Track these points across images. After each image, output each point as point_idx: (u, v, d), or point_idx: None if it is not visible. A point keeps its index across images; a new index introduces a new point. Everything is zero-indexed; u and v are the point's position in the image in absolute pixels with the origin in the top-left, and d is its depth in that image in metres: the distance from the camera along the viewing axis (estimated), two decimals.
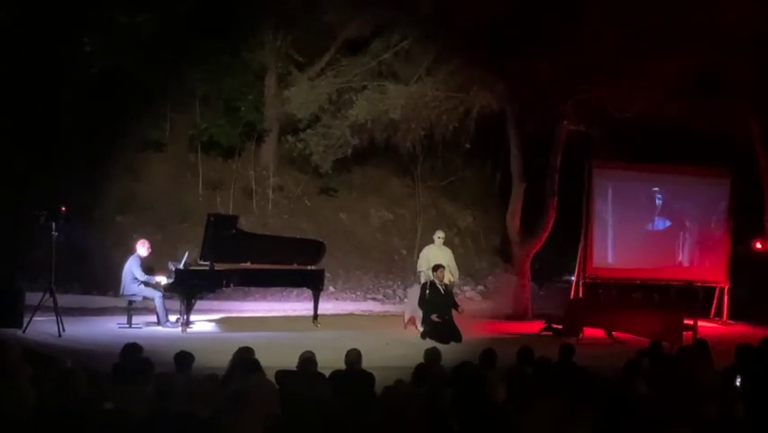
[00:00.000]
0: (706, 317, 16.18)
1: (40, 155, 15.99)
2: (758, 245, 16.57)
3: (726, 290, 17.04)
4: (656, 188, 17.28)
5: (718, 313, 16.98)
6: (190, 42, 17.59)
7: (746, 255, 16.85)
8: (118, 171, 17.96)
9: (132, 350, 7.10)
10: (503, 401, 6.17)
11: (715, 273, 17.18)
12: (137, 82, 17.14)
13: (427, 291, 13.00)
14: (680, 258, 17.29)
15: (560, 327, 13.93)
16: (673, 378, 7.51)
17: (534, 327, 14.70)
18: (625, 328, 13.50)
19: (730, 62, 14.43)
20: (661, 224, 17.24)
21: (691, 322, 13.11)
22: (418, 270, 13.99)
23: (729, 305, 16.90)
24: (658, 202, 17.26)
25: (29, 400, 5.37)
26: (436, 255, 13.73)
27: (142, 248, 12.94)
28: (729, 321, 16.62)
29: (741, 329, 15.21)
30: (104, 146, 17.18)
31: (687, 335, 12.47)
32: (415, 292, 13.58)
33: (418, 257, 14.49)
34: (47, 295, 11.44)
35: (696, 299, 15.79)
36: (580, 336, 13.20)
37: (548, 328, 14.06)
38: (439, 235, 14.13)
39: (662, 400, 6.44)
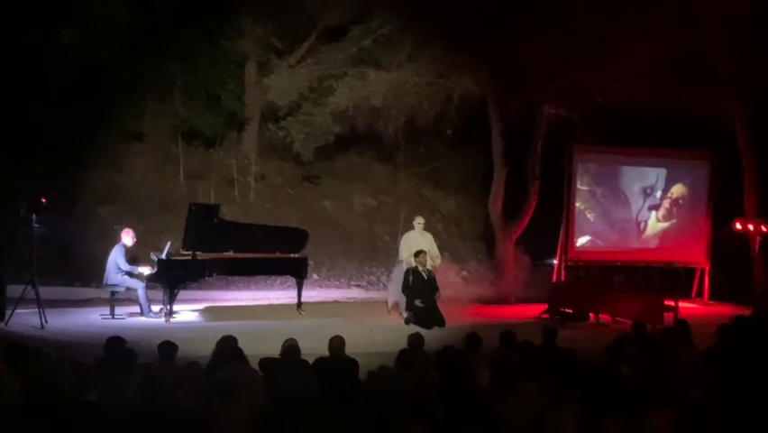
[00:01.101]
0: (687, 297, 16.34)
1: (20, 148, 15.86)
2: (738, 226, 16.69)
3: (706, 271, 17.21)
4: (638, 171, 17.41)
5: (700, 293, 17.16)
6: (169, 32, 17.48)
7: (727, 236, 16.98)
8: (99, 163, 17.83)
9: (116, 343, 7.07)
10: (487, 385, 6.21)
11: (696, 254, 17.35)
12: (117, 73, 17.03)
13: (410, 277, 13.01)
14: (661, 239, 17.42)
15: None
16: (655, 359, 7.57)
17: (518, 310, 14.81)
18: (607, 310, 13.64)
19: (711, 47, 14.52)
20: (640, 206, 17.34)
21: (673, 303, 13.22)
22: (399, 258, 13.92)
23: (710, 285, 17.08)
24: (639, 184, 17.36)
25: (13, 392, 5.36)
26: (417, 241, 13.67)
27: (127, 237, 12.88)
28: (710, 301, 16.80)
29: (722, 309, 15.34)
30: (84, 138, 17.06)
31: (668, 315, 12.58)
32: (397, 278, 13.58)
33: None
34: (29, 287, 11.38)
35: (677, 280, 15.92)
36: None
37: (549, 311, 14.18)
38: (419, 221, 14.04)
39: (645, 381, 6.49)
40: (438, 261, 13.92)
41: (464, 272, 19.45)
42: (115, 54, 16.83)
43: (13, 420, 5.00)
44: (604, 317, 13.65)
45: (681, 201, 17.44)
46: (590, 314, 13.84)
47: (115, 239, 13.08)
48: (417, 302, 12.77)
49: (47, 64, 16.55)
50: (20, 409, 5.11)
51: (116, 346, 7.01)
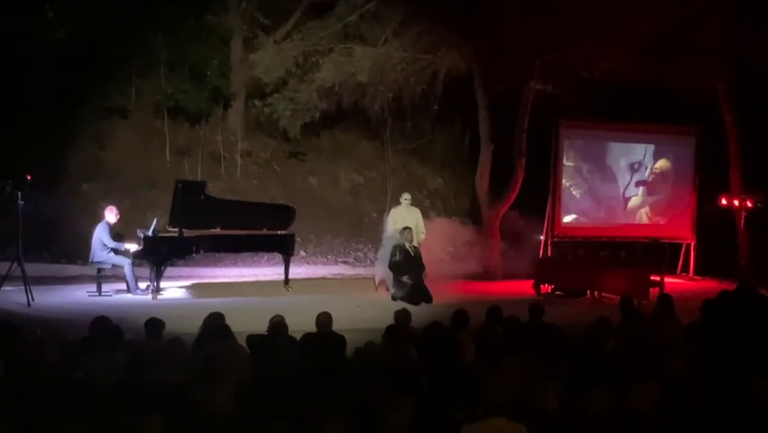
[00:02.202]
0: (673, 273, 16.44)
1: (3, 125, 15.75)
2: (724, 201, 16.79)
3: (692, 246, 17.31)
4: (625, 147, 17.45)
5: (685, 269, 17.27)
6: (154, 7, 17.31)
7: (712, 212, 17.07)
8: (84, 139, 17.75)
9: (102, 323, 7.05)
10: (473, 360, 6.24)
11: (681, 230, 17.45)
12: (101, 48, 16.88)
13: (397, 254, 13.03)
14: (647, 215, 17.50)
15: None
16: (641, 333, 7.63)
17: (505, 286, 14.85)
18: (593, 286, 13.70)
19: (696, 23, 14.51)
20: (628, 182, 17.38)
21: (659, 278, 13.30)
22: (386, 234, 13.90)
23: (696, 261, 17.19)
24: (626, 160, 17.40)
25: None
26: (404, 217, 13.67)
27: (111, 214, 12.81)
28: (696, 277, 16.92)
29: (708, 285, 15.45)
30: (68, 114, 16.96)
31: (654, 291, 12.65)
32: (384, 254, 13.59)
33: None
34: (15, 264, 11.35)
35: (663, 255, 16.01)
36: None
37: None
38: (405, 197, 14.00)
39: (631, 355, 6.53)
40: (423, 237, 13.90)
41: (450, 248, 19.47)
42: (99, 29, 16.66)
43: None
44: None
45: (666, 176, 17.51)
46: (588, 291, 13.93)
47: (100, 216, 13.03)
48: (405, 278, 12.80)
49: (30, 40, 16.38)
50: (5, 386, 5.11)
51: (102, 326, 6.98)
